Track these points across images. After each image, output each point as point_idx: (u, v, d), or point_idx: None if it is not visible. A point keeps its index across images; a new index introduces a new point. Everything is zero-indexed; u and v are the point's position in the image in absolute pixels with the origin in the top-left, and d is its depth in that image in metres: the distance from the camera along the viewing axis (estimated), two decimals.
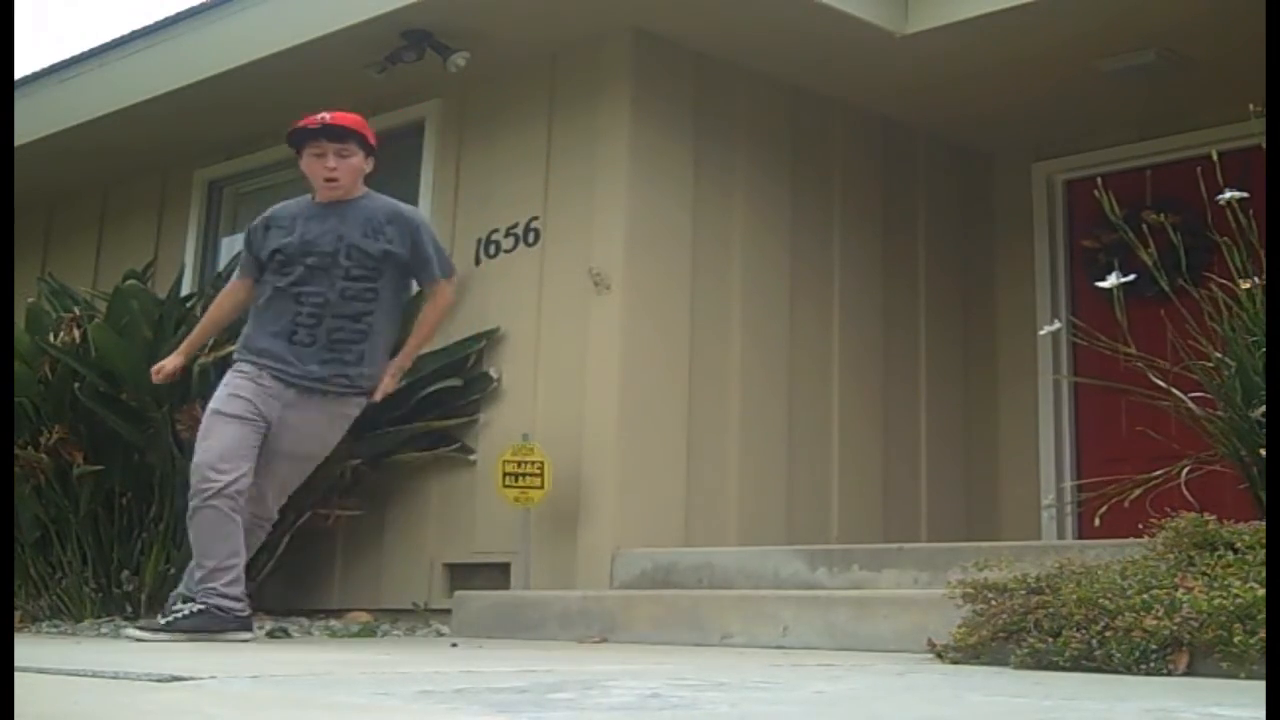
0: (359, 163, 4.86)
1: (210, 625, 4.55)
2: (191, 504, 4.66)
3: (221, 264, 7.14)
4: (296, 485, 4.99)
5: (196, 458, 4.70)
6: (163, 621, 4.63)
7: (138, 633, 4.61)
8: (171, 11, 6.82)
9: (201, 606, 4.59)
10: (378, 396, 4.90)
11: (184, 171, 7.68)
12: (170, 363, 5.05)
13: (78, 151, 7.55)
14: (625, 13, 5.81)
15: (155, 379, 5.08)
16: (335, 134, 4.83)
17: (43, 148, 7.41)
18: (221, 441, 4.67)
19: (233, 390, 4.76)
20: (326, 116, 4.88)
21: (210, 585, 4.60)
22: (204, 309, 6.20)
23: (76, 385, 5.81)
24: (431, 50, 6.00)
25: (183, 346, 5.13)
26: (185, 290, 6.96)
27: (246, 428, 4.69)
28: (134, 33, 7.03)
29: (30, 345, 6.03)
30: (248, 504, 4.72)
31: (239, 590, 4.66)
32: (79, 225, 8.27)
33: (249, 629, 4.71)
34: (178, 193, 7.74)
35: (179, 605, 4.67)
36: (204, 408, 5.65)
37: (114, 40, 7.13)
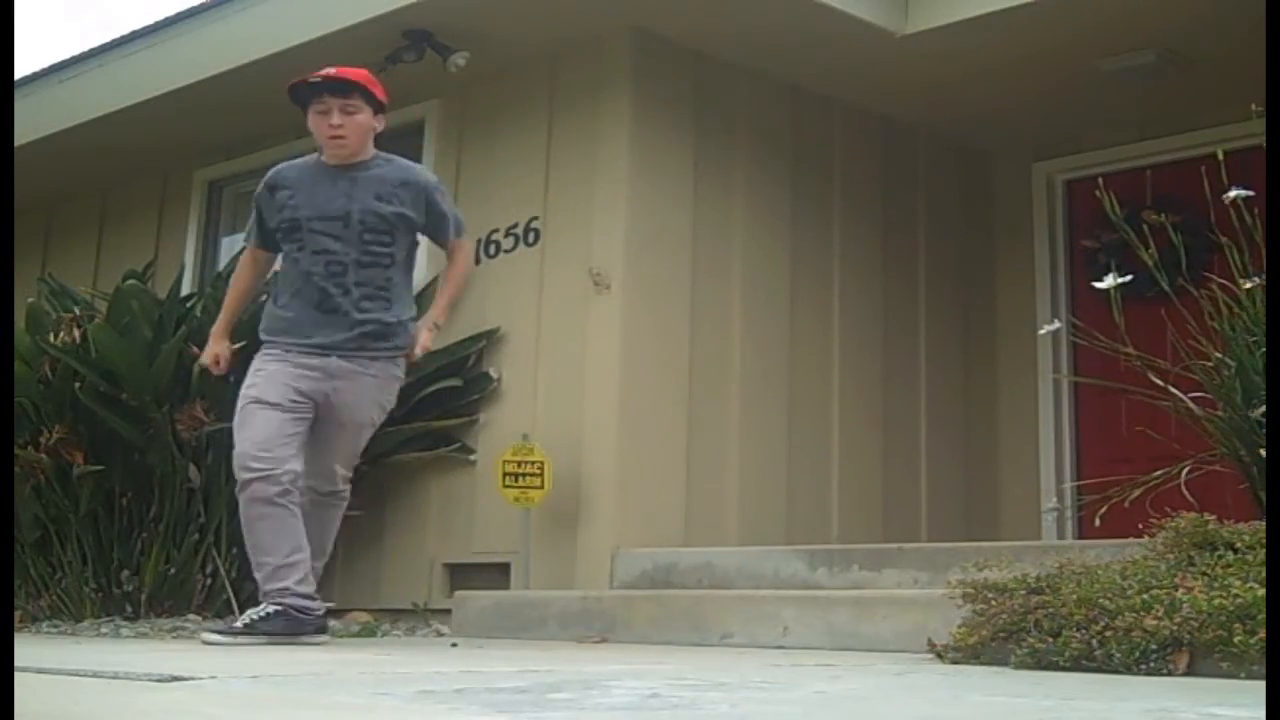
0: (366, 120, 4.63)
1: (287, 628, 4.33)
2: (239, 499, 4.46)
3: (221, 264, 7.13)
4: (358, 454, 4.76)
5: (236, 448, 4.49)
6: (240, 624, 4.39)
7: (215, 636, 4.36)
8: (171, 11, 6.83)
9: (277, 608, 4.35)
10: (418, 353, 4.70)
11: (184, 171, 7.68)
12: (220, 350, 4.83)
13: (78, 151, 7.55)
14: (625, 13, 5.81)
15: (217, 371, 4.88)
16: (339, 88, 4.59)
17: (43, 148, 7.41)
18: (257, 430, 4.44)
19: (267, 374, 4.54)
20: (331, 70, 4.66)
21: (281, 585, 4.36)
22: (204, 309, 6.22)
23: (76, 385, 5.81)
24: (431, 50, 6.00)
25: (219, 330, 4.89)
26: (185, 290, 6.96)
27: (285, 415, 4.47)
28: (134, 33, 7.03)
29: (30, 345, 6.02)
30: (314, 483, 4.56)
31: (311, 588, 4.46)
32: (79, 225, 8.27)
33: (325, 630, 4.54)
34: (178, 193, 7.74)
35: (256, 608, 4.44)
36: (204, 408, 5.69)
37: (114, 40, 7.13)
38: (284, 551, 4.41)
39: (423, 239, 4.92)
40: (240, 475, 4.45)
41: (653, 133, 5.91)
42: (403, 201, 4.68)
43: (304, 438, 4.54)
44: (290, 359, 4.57)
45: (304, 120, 4.76)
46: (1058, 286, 7.03)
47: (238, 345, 5.77)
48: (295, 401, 4.51)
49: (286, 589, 4.38)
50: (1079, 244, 6.94)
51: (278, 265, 4.85)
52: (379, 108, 4.71)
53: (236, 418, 4.55)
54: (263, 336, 4.70)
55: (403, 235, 4.69)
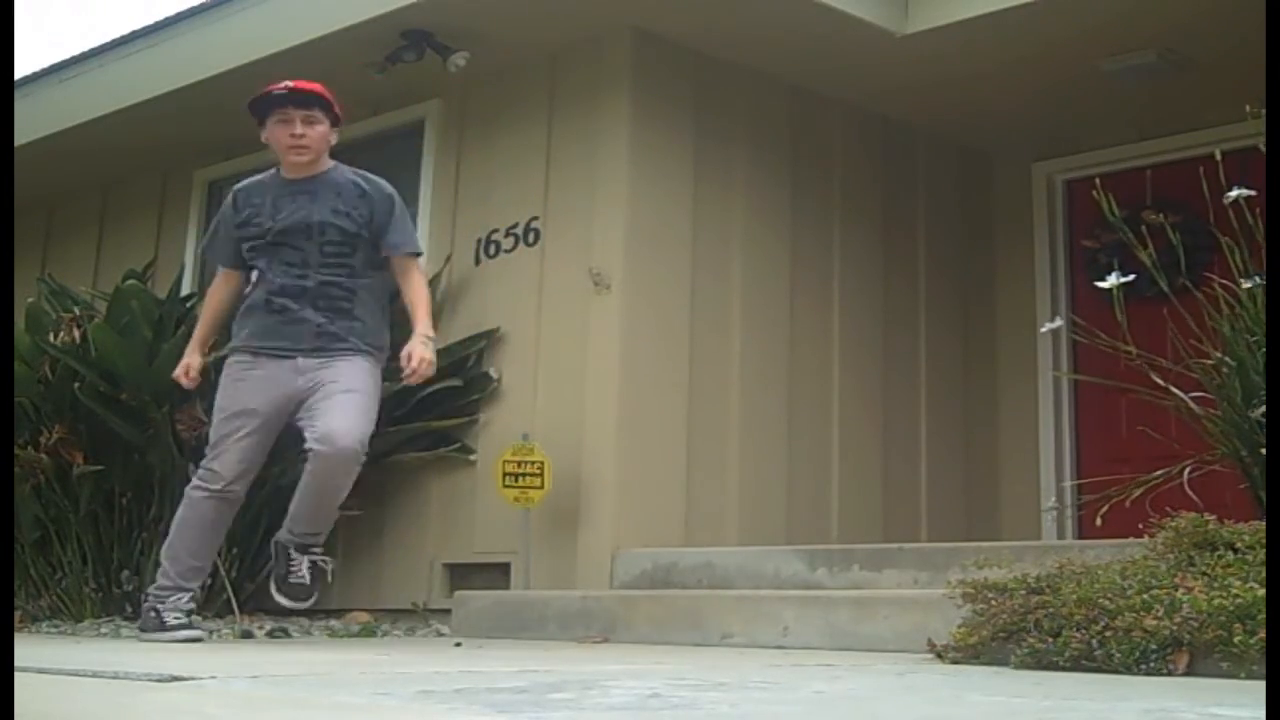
0: (325, 131, 4.74)
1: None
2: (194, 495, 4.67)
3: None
4: (366, 422, 4.63)
5: (213, 463, 4.67)
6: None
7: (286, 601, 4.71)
8: (171, 11, 6.83)
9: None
10: (426, 371, 4.66)
11: (184, 171, 7.68)
12: (193, 362, 4.93)
13: (78, 151, 7.55)
14: (625, 13, 5.81)
15: (186, 383, 4.96)
16: (301, 100, 4.71)
17: (43, 148, 7.41)
18: (234, 456, 4.65)
19: (232, 393, 4.68)
20: (290, 84, 4.76)
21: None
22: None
23: (76, 385, 5.81)
24: (431, 50, 6.00)
25: (193, 344, 5.00)
26: (185, 290, 6.96)
27: (257, 437, 4.67)
28: (134, 33, 7.02)
29: (30, 345, 6.02)
30: (320, 446, 4.55)
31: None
32: (79, 225, 8.27)
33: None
34: (178, 193, 7.74)
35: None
36: (204, 408, 5.69)
37: (114, 40, 7.13)
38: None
39: None
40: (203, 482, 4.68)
41: (653, 133, 5.91)
42: (360, 210, 4.73)
43: (264, 445, 4.71)
44: (254, 366, 4.67)
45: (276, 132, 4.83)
46: (1058, 286, 7.03)
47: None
48: (264, 420, 4.66)
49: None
50: (1079, 244, 6.94)
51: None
52: (336, 120, 4.81)
53: (213, 430, 4.73)
54: (231, 349, 4.81)
55: (363, 250, 4.72)
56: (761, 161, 6.29)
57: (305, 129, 4.68)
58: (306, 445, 4.56)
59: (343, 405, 4.55)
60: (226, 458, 4.67)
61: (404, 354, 4.67)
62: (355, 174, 4.85)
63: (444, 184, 6.43)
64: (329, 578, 4.73)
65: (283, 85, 4.75)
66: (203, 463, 4.74)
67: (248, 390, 4.68)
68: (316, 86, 4.80)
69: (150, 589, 4.74)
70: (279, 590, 4.70)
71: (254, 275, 4.83)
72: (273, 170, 4.88)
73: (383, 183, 4.88)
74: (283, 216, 4.70)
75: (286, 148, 4.71)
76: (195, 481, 4.72)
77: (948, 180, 7.14)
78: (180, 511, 4.74)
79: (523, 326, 5.96)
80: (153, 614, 4.62)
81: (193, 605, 4.75)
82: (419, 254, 4.96)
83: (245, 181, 4.92)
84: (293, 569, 4.64)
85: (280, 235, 4.69)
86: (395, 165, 6.73)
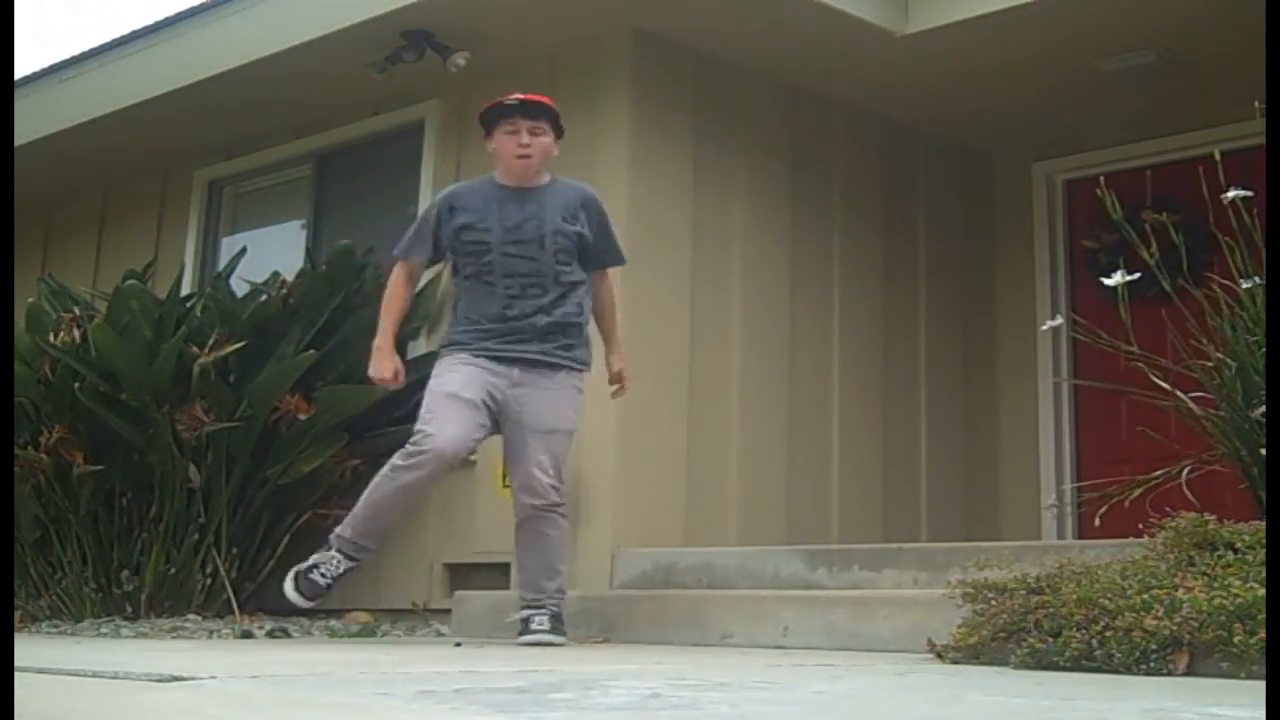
0: (550, 143, 4.75)
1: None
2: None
3: (221, 264, 7.14)
4: (558, 463, 4.62)
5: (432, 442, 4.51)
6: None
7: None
8: (171, 11, 6.83)
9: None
10: (627, 386, 4.86)
11: (184, 171, 7.68)
12: (395, 363, 4.78)
13: (78, 151, 7.56)
14: (625, 13, 5.81)
15: (396, 385, 4.82)
16: (531, 111, 4.74)
17: (43, 148, 7.41)
18: (453, 426, 4.50)
19: (453, 373, 4.58)
20: (519, 96, 4.80)
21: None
22: (204, 309, 6.23)
23: (76, 385, 5.81)
24: (431, 50, 6.01)
25: (387, 345, 4.79)
26: (185, 290, 6.97)
27: (473, 409, 4.54)
28: (134, 33, 7.03)
29: (30, 345, 6.03)
30: (524, 496, 4.54)
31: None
32: (79, 225, 8.27)
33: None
34: (178, 193, 7.74)
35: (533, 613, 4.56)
36: (204, 408, 5.70)
37: (114, 40, 7.14)
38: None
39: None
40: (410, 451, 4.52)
41: (652, 133, 5.91)
42: (583, 223, 4.71)
43: (486, 432, 4.60)
44: (473, 363, 4.59)
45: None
46: (1058, 286, 7.03)
47: (240, 344, 5.78)
48: (483, 400, 4.55)
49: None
50: (1079, 244, 6.95)
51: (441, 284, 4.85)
52: (560, 134, 4.80)
53: (423, 409, 4.58)
54: (443, 351, 4.73)
55: (581, 258, 4.72)
56: (761, 161, 6.29)
57: (532, 139, 4.70)
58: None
59: (544, 446, 4.57)
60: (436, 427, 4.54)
61: (614, 372, 4.85)
62: (574, 184, 4.83)
63: (444, 184, 6.37)
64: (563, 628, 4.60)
65: (515, 96, 4.78)
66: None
67: (458, 379, 4.58)
68: (547, 100, 4.82)
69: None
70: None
71: (467, 278, 4.73)
72: (488, 177, 4.84)
73: (596, 194, 4.83)
74: (510, 220, 4.67)
75: (513, 157, 4.71)
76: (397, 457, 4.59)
77: (948, 180, 7.14)
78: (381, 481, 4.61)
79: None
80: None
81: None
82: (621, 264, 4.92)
83: (457, 186, 4.92)
84: (531, 626, 4.54)
85: (511, 245, 4.64)
86: (395, 165, 6.74)
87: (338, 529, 4.65)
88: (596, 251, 4.75)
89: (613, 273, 4.88)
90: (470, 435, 4.54)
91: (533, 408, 4.56)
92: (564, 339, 4.62)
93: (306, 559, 4.73)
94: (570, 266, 4.66)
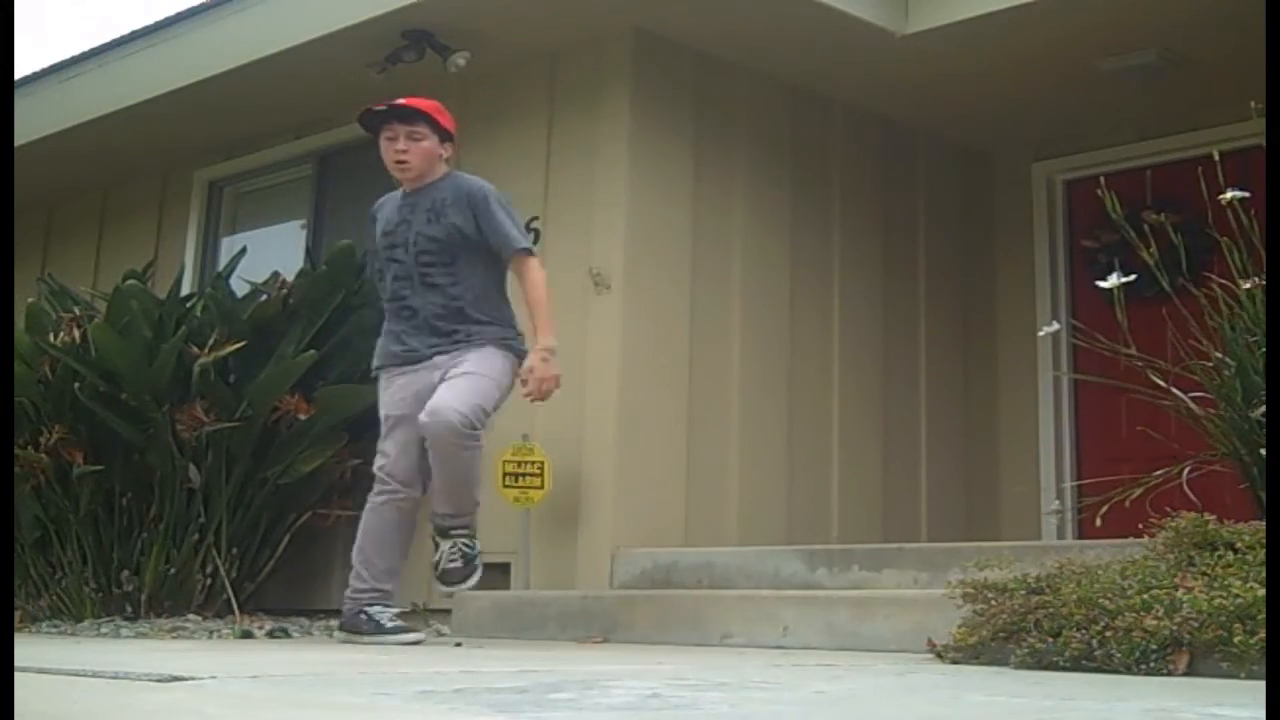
0: (432, 146, 4.72)
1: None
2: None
3: (221, 264, 7.14)
4: (473, 396, 4.50)
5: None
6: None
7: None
8: (171, 11, 6.83)
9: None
10: (547, 388, 4.58)
11: (184, 171, 7.68)
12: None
13: (78, 151, 7.56)
14: (625, 13, 5.81)
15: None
16: (405, 115, 4.73)
17: (43, 148, 7.41)
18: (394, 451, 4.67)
19: (383, 399, 4.73)
20: (400, 101, 4.79)
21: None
22: (204, 309, 6.24)
23: (76, 385, 5.81)
24: (431, 50, 6.01)
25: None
26: (185, 290, 6.96)
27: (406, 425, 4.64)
28: (134, 33, 7.03)
29: (30, 345, 6.03)
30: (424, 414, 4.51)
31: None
32: (79, 225, 8.27)
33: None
34: (178, 193, 7.74)
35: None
36: (204, 408, 5.70)
37: (114, 40, 7.14)
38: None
39: None
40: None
41: (653, 133, 5.91)
42: (451, 217, 4.67)
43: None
44: (386, 388, 4.71)
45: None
46: (1058, 287, 7.03)
47: (240, 344, 5.78)
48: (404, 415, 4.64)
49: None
50: (1079, 244, 6.95)
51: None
52: (445, 135, 4.79)
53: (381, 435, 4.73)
54: (374, 367, 4.84)
55: (465, 254, 4.66)
56: (761, 161, 6.29)
57: (409, 144, 4.70)
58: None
59: (452, 383, 4.53)
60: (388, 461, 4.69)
61: (524, 369, 4.62)
62: (455, 179, 4.80)
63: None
64: (477, 562, 4.66)
65: (388, 101, 4.79)
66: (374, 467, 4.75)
67: (389, 398, 4.72)
68: (423, 102, 4.81)
69: (347, 592, 4.68)
70: (436, 578, 4.75)
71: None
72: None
73: (479, 183, 4.79)
74: (388, 228, 4.75)
75: (392, 163, 4.74)
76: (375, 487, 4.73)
77: (948, 180, 7.14)
78: (364, 517, 4.73)
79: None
80: (363, 616, 4.59)
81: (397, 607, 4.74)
82: (532, 251, 4.77)
83: (384, 198, 4.94)
84: (442, 555, 4.67)
85: (387, 248, 4.73)
86: None
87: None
88: (489, 242, 4.67)
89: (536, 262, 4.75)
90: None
91: (438, 371, 4.60)
92: (445, 338, 4.62)
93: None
94: (445, 268, 4.63)
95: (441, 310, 4.63)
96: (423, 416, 4.47)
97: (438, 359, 4.62)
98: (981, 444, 7.02)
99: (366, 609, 4.60)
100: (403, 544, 4.74)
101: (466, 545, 4.68)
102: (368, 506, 4.72)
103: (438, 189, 4.74)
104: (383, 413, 4.72)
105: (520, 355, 4.68)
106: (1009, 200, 7.23)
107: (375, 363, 4.81)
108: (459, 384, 4.52)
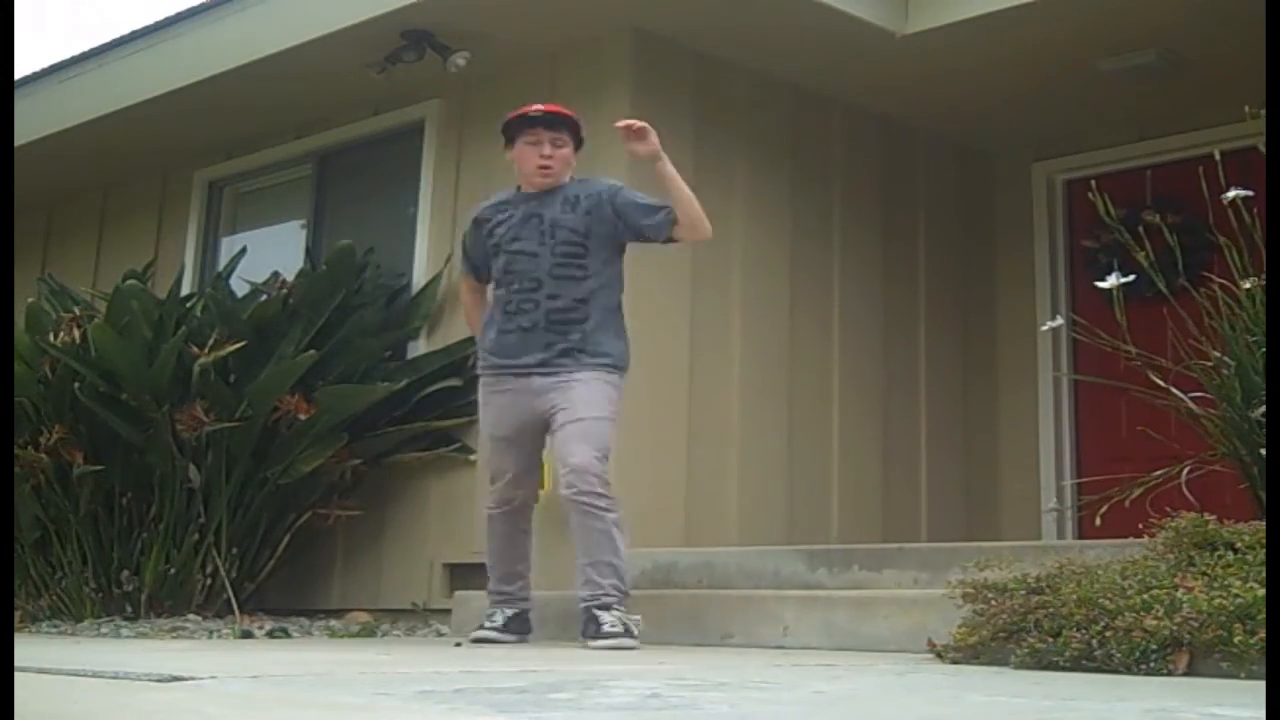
0: (569, 154, 4.78)
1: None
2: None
3: (221, 264, 7.14)
4: (599, 443, 4.53)
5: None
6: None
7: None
8: (171, 11, 6.83)
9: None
10: (646, 134, 4.62)
11: (184, 171, 7.68)
12: None
13: (78, 151, 7.56)
14: (625, 13, 5.81)
15: None
16: (552, 122, 4.77)
17: (43, 148, 7.41)
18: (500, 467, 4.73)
19: (485, 415, 4.77)
20: (541, 107, 4.83)
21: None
22: (204, 309, 6.24)
23: (76, 385, 5.81)
24: (431, 50, 6.01)
25: None
26: (185, 290, 6.97)
27: (513, 448, 4.71)
28: (134, 33, 7.03)
29: (30, 345, 6.03)
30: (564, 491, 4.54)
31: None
32: (79, 225, 8.27)
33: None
34: (178, 193, 7.74)
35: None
36: (204, 408, 5.69)
37: (114, 40, 7.14)
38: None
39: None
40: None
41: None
42: (587, 210, 4.70)
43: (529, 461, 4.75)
44: (497, 388, 4.70)
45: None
46: (1058, 287, 7.03)
47: (240, 344, 5.78)
48: (515, 437, 4.70)
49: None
50: (1079, 244, 6.94)
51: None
52: (580, 144, 4.84)
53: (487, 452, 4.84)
54: (479, 367, 4.83)
55: (597, 249, 4.68)
56: (761, 161, 6.29)
57: (553, 150, 4.73)
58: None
59: (581, 433, 4.53)
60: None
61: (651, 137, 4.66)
62: (584, 179, 4.83)
63: (444, 184, 6.43)
64: (636, 633, 4.41)
65: (536, 107, 4.81)
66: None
67: (492, 418, 4.75)
68: (568, 111, 4.84)
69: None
70: (586, 637, 4.47)
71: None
72: (510, 189, 4.86)
73: (607, 180, 4.83)
74: (513, 221, 4.74)
75: (534, 169, 4.74)
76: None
77: (948, 180, 7.14)
78: (494, 532, 4.84)
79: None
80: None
81: (511, 610, 4.76)
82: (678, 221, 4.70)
83: (483, 204, 4.92)
84: (602, 627, 4.42)
85: (511, 240, 4.71)
86: (395, 165, 6.74)
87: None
88: (635, 228, 4.70)
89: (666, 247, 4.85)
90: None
91: (555, 402, 4.57)
92: (565, 339, 4.59)
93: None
94: (578, 260, 4.64)
95: (570, 303, 4.62)
96: (564, 490, 4.51)
97: (536, 381, 4.59)
98: (981, 444, 7.01)
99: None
100: (527, 543, 4.88)
101: (626, 619, 4.45)
102: (492, 521, 4.78)
103: (568, 188, 4.77)
104: (486, 431, 4.79)
105: (623, 371, 4.69)
106: (1009, 200, 7.23)
107: (480, 363, 4.80)
108: (588, 432, 4.52)
